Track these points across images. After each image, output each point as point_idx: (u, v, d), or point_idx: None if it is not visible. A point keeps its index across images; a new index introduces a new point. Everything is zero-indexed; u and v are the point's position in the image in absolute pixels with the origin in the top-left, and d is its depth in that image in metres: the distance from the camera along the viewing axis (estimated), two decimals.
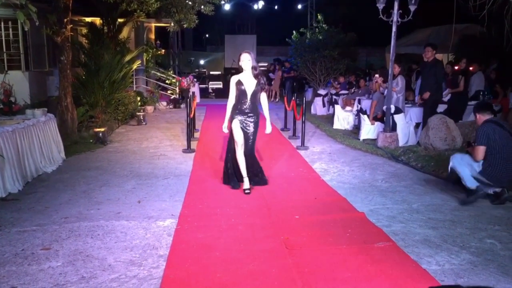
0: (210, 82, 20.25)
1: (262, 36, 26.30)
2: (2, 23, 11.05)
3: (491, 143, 5.09)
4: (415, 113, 9.06)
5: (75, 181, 6.16)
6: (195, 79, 17.66)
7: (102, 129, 8.84)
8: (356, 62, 17.83)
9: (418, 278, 3.42)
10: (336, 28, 15.06)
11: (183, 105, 14.54)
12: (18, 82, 9.32)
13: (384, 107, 8.59)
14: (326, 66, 14.82)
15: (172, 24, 13.19)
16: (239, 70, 5.65)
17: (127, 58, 11.10)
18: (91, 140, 8.69)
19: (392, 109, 8.44)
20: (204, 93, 18.95)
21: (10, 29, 11.15)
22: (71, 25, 9.15)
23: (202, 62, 26.87)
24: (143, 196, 5.51)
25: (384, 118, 8.54)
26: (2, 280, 3.36)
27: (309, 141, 9.02)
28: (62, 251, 3.89)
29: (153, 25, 16.66)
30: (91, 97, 10.13)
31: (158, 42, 18.21)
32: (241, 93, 5.52)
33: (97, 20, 12.55)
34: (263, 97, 5.70)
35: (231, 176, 5.78)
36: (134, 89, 14.08)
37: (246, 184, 5.61)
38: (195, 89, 16.02)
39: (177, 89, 15.93)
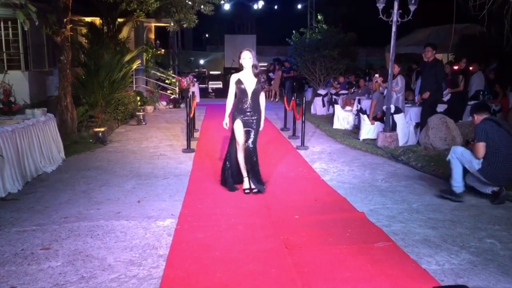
0: (210, 82, 20.24)
1: (261, 36, 26.30)
2: (2, 23, 11.05)
3: (490, 142, 5.10)
4: (415, 113, 9.06)
5: (75, 181, 6.16)
6: (195, 79, 17.66)
7: (102, 129, 8.84)
8: (356, 62, 17.83)
9: (418, 278, 3.42)
10: (336, 28, 15.06)
11: (182, 105, 14.54)
12: (18, 82, 9.31)
13: (384, 107, 8.59)
14: (326, 66, 14.82)
15: (172, 24, 13.20)
16: (239, 69, 5.55)
17: (127, 58, 11.10)
18: (90, 140, 8.69)
19: (392, 109, 8.44)
20: (204, 93, 18.95)
21: (10, 29, 11.15)
22: (71, 25, 9.15)
23: (202, 62, 26.88)
24: (143, 196, 5.51)
25: (384, 118, 8.54)
26: (2, 280, 3.36)
27: (309, 141, 9.02)
28: (62, 251, 3.88)
29: (153, 25, 16.65)
30: (90, 97, 10.13)
31: (158, 42, 18.21)
32: (242, 92, 5.42)
33: (97, 20, 12.54)
34: (261, 96, 5.60)
35: (228, 178, 5.69)
36: (134, 89, 14.08)
37: (246, 184, 5.59)
38: (194, 89, 16.02)
39: (177, 89, 15.93)
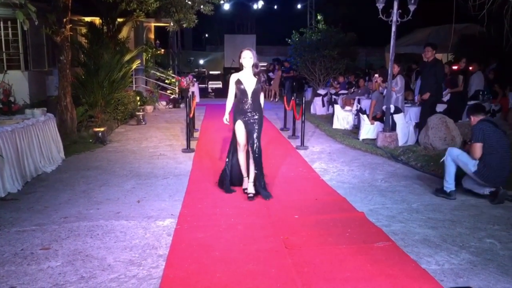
0: (210, 82, 20.23)
1: (261, 35, 26.28)
2: (2, 22, 11.04)
3: (486, 142, 5.13)
4: (414, 112, 9.07)
5: (75, 181, 6.16)
6: (195, 79, 17.66)
7: (102, 129, 8.84)
8: (356, 62, 17.85)
9: (418, 277, 3.42)
10: (335, 27, 15.06)
11: (182, 105, 14.53)
12: (18, 81, 9.31)
13: (384, 107, 8.60)
14: (326, 66, 14.82)
15: (172, 24, 13.19)
16: (239, 68, 5.45)
17: (127, 57, 11.09)
18: (90, 140, 8.69)
19: (392, 109, 8.44)
20: (203, 92, 18.94)
21: (10, 29, 11.14)
22: (71, 25, 9.15)
23: (201, 61, 26.88)
24: (142, 196, 5.51)
25: (384, 117, 8.54)
26: (2, 280, 3.36)
27: (308, 141, 9.02)
28: (62, 251, 3.88)
29: (153, 24, 16.65)
30: (90, 96, 10.12)
31: (157, 41, 18.21)
32: (242, 93, 5.31)
33: (97, 20, 12.54)
34: (261, 97, 5.49)
35: (225, 179, 5.63)
36: (134, 88, 14.07)
37: (246, 184, 5.57)
38: (194, 88, 16.01)
39: (176, 88, 15.93)
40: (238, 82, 5.31)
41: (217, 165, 7.04)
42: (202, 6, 11.70)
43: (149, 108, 13.65)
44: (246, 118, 5.34)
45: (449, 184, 5.39)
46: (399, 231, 4.37)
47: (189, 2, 11.68)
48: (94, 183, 6.04)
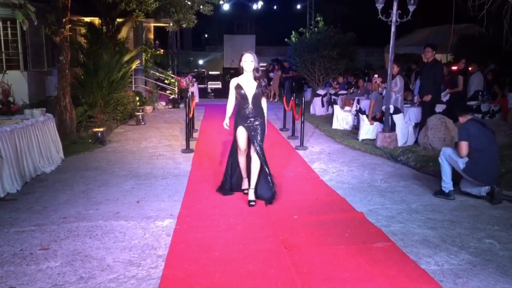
0: (209, 82, 20.23)
1: (261, 36, 26.27)
2: (1, 22, 11.03)
3: (473, 141, 5.24)
4: (414, 113, 9.07)
5: (74, 181, 6.16)
6: (194, 79, 17.65)
7: (101, 129, 8.83)
8: (355, 62, 17.81)
9: (417, 278, 3.42)
10: (335, 28, 15.06)
11: (182, 105, 14.53)
12: (17, 82, 9.31)
13: (383, 107, 8.60)
14: (325, 66, 14.82)
15: (171, 24, 13.20)
16: (239, 70, 5.31)
17: (126, 58, 11.08)
18: (89, 140, 8.68)
19: (391, 109, 8.45)
20: (203, 93, 18.94)
21: (9, 29, 11.13)
22: (70, 25, 9.14)
23: (201, 62, 26.87)
24: (142, 196, 5.50)
25: (383, 118, 8.55)
26: (1, 280, 3.36)
27: (308, 141, 9.02)
28: (61, 251, 3.88)
29: (152, 25, 16.64)
30: (90, 97, 10.12)
31: (157, 42, 18.19)
32: (242, 98, 5.16)
33: (96, 20, 12.53)
34: (263, 101, 5.30)
35: (225, 183, 5.55)
36: (133, 89, 14.06)
37: (244, 184, 5.53)
38: (194, 89, 16.00)
39: (176, 89, 15.92)
40: (238, 87, 5.16)
41: (217, 165, 7.05)
42: (201, 6, 11.70)
43: (148, 108, 13.65)
44: (248, 124, 5.18)
45: (447, 183, 5.44)
46: (398, 232, 4.37)
47: (189, 2, 11.69)
48: (93, 184, 6.03)
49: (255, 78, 5.17)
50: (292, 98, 9.56)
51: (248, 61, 5.10)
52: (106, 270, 3.54)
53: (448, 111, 9.11)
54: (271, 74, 17.97)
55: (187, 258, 3.73)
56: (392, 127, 8.48)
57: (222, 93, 17.79)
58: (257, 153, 5.15)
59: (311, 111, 13.77)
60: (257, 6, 24.04)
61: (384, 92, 8.78)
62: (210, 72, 22.09)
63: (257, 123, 5.19)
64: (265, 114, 5.37)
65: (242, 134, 5.23)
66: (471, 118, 5.50)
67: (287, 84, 17.05)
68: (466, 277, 3.46)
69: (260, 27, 30.97)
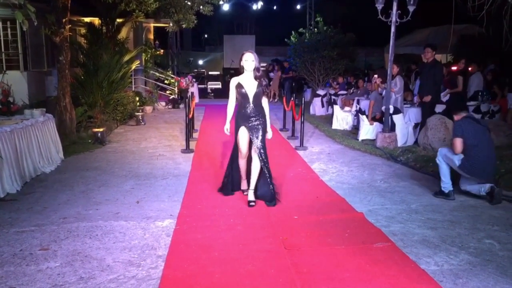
0: (209, 83, 20.22)
1: (261, 36, 26.27)
2: (1, 23, 11.02)
3: (467, 138, 5.28)
4: (413, 113, 9.07)
5: (74, 181, 6.16)
6: (194, 79, 17.66)
7: (101, 129, 8.83)
8: (355, 63, 17.82)
9: (417, 278, 3.42)
10: (335, 28, 15.06)
11: (182, 105, 14.53)
12: (17, 82, 9.30)
13: (383, 108, 8.60)
14: (325, 67, 14.82)
15: (171, 24, 13.20)
16: (239, 70, 5.23)
17: (126, 58, 11.08)
18: (89, 140, 8.69)
19: (391, 110, 8.45)
20: (203, 93, 18.94)
21: (9, 29, 11.12)
22: (70, 25, 9.14)
23: (200, 62, 26.87)
24: (141, 197, 5.50)
25: (383, 118, 8.55)
26: (1, 280, 3.36)
27: (308, 142, 9.02)
28: (61, 251, 3.88)
29: (152, 25, 16.65)
30: (89, 97, 10.12)
31: (157, 42, 18.20)
32: (243, 97, 5.11)
33: (96, 20, 12.53)
34: (265, 102, 5.26)
35: (226, 184, 5.53)
36: (133, 89, 14.06)
37: (244, 185, 5.50)
38: (194, 89, 16.01)
39: (176, 89, 15.93)
40: (239, 86, 5.11)
41: (217, 166, 7.05)
42: (201, 7, 11.71)
43: (148, 108, 13.65)
44: (250, 124, 5.13)
45: (446, 183, 5.45)
46: (398, 232, 4.37)
47: (189, 3, 11.69)
48: (93, 184, 6.03)
49: (256, 78, 5.13)
50: (292, 99, 9.56)
51: (249, 61, 5.05)
52: (106, 271, 3.54)
53: (447, 111, 9.11)
54: (271, 74, 17.97)
55: (187, 258, 3.73)
56: (392, 128, 8.49)
57: (222, 93, 17.79)
58: (258, 153, 5.12)
59: (311, 111, 13.77)
60: (257, 6, 24.05)
61: (384, 93, 8.78)
62: (210, 72, 22.09)
63: (258, 122, 5.16)
64: (268, 114, 5.33)
65: (243, 136, 5.15)
66: (465, 115, 5.55)
67: (287, 84, 17.05)
68: (465, 278, 3.46)
69: (260, 27, 30.99)
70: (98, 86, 10.12)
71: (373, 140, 8.74)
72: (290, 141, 9.30)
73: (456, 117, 5.61)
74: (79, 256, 3.78)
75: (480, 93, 10.09)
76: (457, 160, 5.35)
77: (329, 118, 11.73)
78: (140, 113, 11.49)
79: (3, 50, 11.03)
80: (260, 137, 5.14)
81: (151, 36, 17.23)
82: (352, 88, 12.90)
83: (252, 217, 4.77)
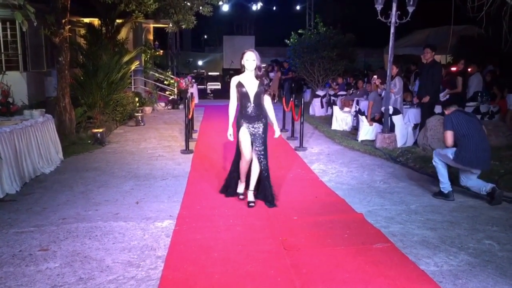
0: (209, 83, 20.25)
1: (260, 36, 26.30)
2: (0, 23, 11.03)
3: (458, 130, 5.32)
4: (413, 114, 9.07)
5: (73, 182, 6.15)
6: (194, 80, 17.67)
7: (100, 130, 8.83)
8: (354, 63, 17.83)
9: (417, 279, 3.42)
10: (334, 29, 15.07)
11: (181, 106, 14.53)
12: (16, 82, 9.30)
13: (383, 108, 8.60)
14: (325, 67, 14.82)
15: (171, 25, 13.20)
16: (240, 70, 5.14)
17: (126, 58, 11.08)
18: (89, 141, 8.68)
19: (391, 110, 8.45)
20: (202, 94, 18.95)
21: (8, 30, 11.12)
22: (69, 26, 9.14)
23: (200, 63, 26.91)
24: (141, 197, 5.50)
25: (383, 119, 8.55)
26: (0, 281, 3.36)
27: (307, 142, 9.02)
28: (60, 252, 3.88)
29: (152, 26, 16.65)
30: (89, 98, 10.11)
31: (156, 43, 18.21)
32: (243, 96, 5.01)
33: (95, 21, 12.54)
34: (267, 101, 5.16)
35: (230, 186, 5.46)
36: (133, 89, 14.07)
37: (241, 189, 5.40)
38: (193, 90, 16.01)
39: (175, 90, 15.93)
40: (240, 85, 5.02)
41: (216, 166, 7.05)
42: (201, 7, 11.70)
43: (147, 109, 13.65)
44: (251, 123, 5.05)
45: (444, 184, 5.46)
46: (398, 232, 4.37)
47: (188, 3, 11.68)
48: (93, 184, 6.03)
49: (257, 77, 5.05)
50: (291, 99, 9.56)
51: (250, 60, 4.96)
52: (106, 271, 3.53)
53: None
54: (271, 75, 17.99)
55: (186, 259, 3.73)
56: (392, 128, 8.49)
57: (222, 94, 17.81)
58: (258, 157, 5.07)
59: (311, 112, 13.77)
60: (257, 7, 24.07)
61: (383, 93, 8.79)
62: (210, 73, 22.12)
63: (259, 125, 5.07)
64: (273, 112, 5.26)
65: (245, 137, 5.06)
66: (455, 109, 5.58)
67: (286, 85, 17.07)
68: (465, 278, 3.46)
69: (260, 28, 31.02)
70: (97, 87, 10.12)
71: (373, 141, 8.74)
72: (289, 141, 9.31)
73: (447, 112, 5.67)
74: (78, 257, 3.78)
75: (479, 94, 10.10)
76: (450, 154, 5.36)
77: (328, 119, 11.73)
78: (139, 114, 11.48)
79: (2, 50, 11.03)
80: (261, 141, 5.08)
81: (151, 37, 17.24)
82: (352, 89, 12.90)
83: (251, 218, 4.77)
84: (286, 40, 15.80)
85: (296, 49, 15.31)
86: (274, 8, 27.22)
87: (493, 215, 4.91)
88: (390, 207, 5.18)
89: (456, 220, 4.74)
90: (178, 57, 22.98)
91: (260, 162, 5.08)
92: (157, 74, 16.55)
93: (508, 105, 9.75)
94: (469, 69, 10.74)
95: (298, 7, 23.46)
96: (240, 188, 5.42)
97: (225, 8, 19.49)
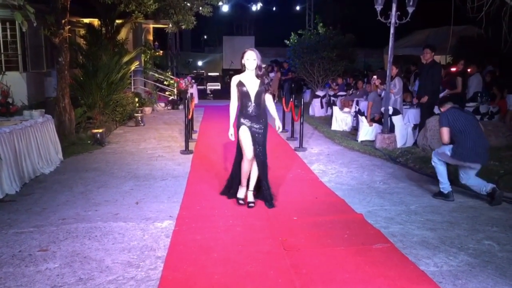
0: (208, 84, 20.26)
1: (260, 37, 26.32)
2: (0, 24, 11.03)
3: (454, 125, 5.34)
4: (413, 114, 9.08)
5: (73, 182, 6.15)
6: (193, 80, 17.67)
7: (100, 130, 8.83)
8: (354, 64, 17.83)
9: (416, 279, 3.42)
10: (334, 29, 15.08)
11: (181, 106, 14.53)
12: (16, 83, 9.29)
13: (382, 109, 8.60)
14: (324, 68, 14.83)
15: (170, 25, 13.20)
16: (240, 70, 5.09)
17: (125, 59, 11.08)
18: (89, 141, 8.68)
19: (390, 111, 8.45)
20: (202, 94, 18.96)
21: (8, 30, 11.12)
22: (69, 26, 9.14)
23: (200, 63, 26.91)
24: (141, 198, 5.50)
25: (382, 119, 8.55)
26: (0, 282, 3.36)
27: (307, 143, 9.02)
28: (60, 252, 3.87)
29: (151, 26, 16.66)
30: (89, 98, 10.11)
31: (156, 43, 18.22)
32: (244, 96, 4.98)
33: (95, 21, 12.55)
34: (269, 98, 5.15)
35: (230, 186, 5.41)
36: (132, 90, 14.07)
37: (241, 193, 5.31)
38: (193, 90, 16.02)
39: (175, 90, 15.93)
40: (240, 84, 4.98)
41: (216, 166, 7.04)
42: (200, 8, 11.71)
43: (147, 109, 13.65)
44: (251, 123, 5.02)
45: (444, 184, 5.46)
46: (397, 233, 4.37)
47: (188, 4, 11.68)
48: (92, 185, 6.03)
49: (258, 76, 5.02)
50: (291, 99, 9.56)
51: (251, 59, 4.93)
52: (105, 271, 3.53)
53: None
54: (271, 75, 17.99)
55: (186, 259, 3.73)
56: (391, 129, 8.49)
57: (221, 94, 17.82)
58: (257, 159, 5.05)
59: (310, 112, 13.78)
60: (256, 7, 24.08)
61: (383, 94, 8.79)
62: (209, 74, 22.13)
63: (259, 126, 5.04)
64: (274, 109, 5.25)
65: (246, 136, 5.02)
66: (450, 106, 5.60)
67: (286, 85, 17.06)
68: (465, 279, 3.46)
69: (259, 28, 31.03)
70: (97, 87, 10.12)
71: (373, 141, 8.74)
72: (289, 142, 9.31)
73: (442, 109, 5.69)
74: (78, 257, 3.78)
75: (479, 94, 10.10)
76: (448, 150, 5.37)
77: (328, 119, 11.73)
78: (139, 114, 11.48)
79: (2, 51, 11.02)
80: (261, 140, 5.05)
81: (151, 37, 17.25)
82: (351, 89, 12.90)
83: (251, 218, 4.76)
84: (286, 41, 15.81)
85: (296, 49, 15.31)
86: (274, 8, 27.23)
87: (493, 215, 4.91)
88: (390, 207, 5.18)
89: (456, 221, 4.74)
90: (178, 58, 22.99)
91: (259, 163, 5.07)
92: (156, 75, 16.55)
93: (507, 106, 9.76)
94: (468, 70, 10.74)
95: (298, 8, 23.48)
96: (241, 193, 5.28)
97: (225, 8, 19.49)
